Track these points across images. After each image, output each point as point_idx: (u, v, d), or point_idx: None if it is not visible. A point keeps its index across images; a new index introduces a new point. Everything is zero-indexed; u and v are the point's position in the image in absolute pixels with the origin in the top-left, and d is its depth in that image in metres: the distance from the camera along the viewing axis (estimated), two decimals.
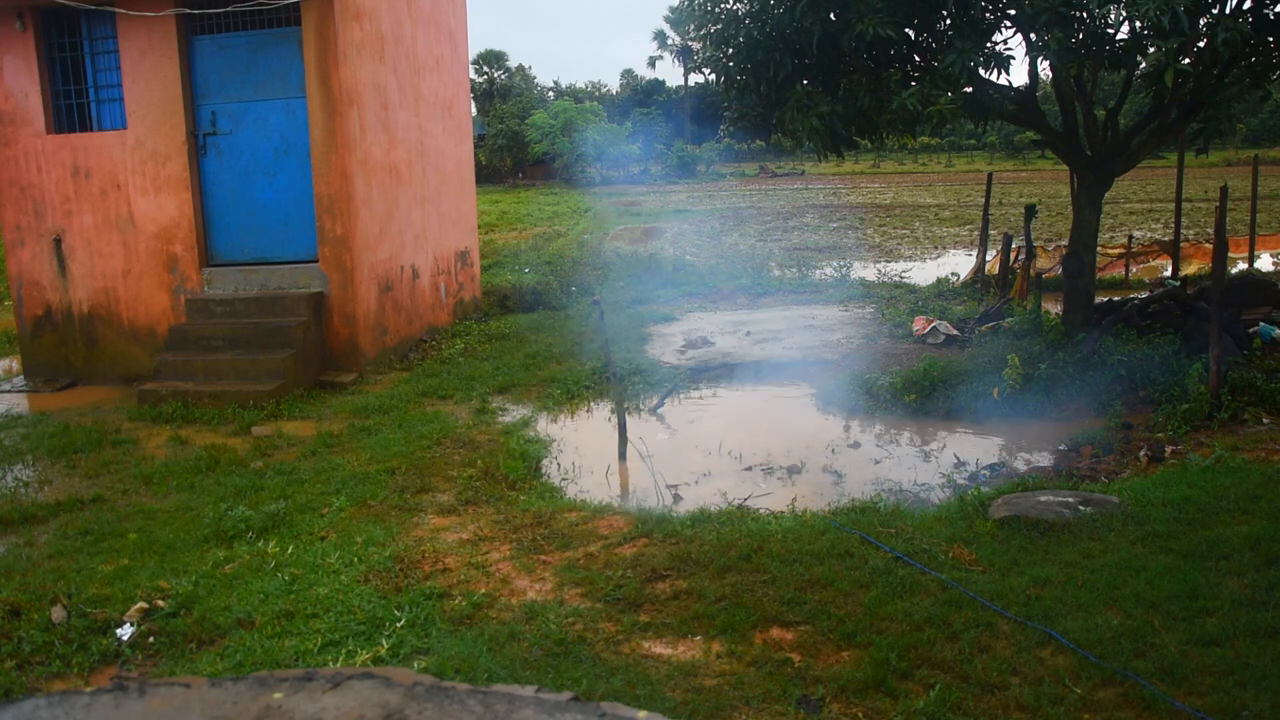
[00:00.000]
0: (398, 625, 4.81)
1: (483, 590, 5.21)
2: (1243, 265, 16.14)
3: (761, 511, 6.31)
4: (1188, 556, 5.14)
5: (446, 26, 13.79)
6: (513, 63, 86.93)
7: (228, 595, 5.28)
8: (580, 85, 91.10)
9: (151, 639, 4.91)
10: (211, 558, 5.87)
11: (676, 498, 6.98)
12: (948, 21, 8.92)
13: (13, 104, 11.20)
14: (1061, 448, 7.79)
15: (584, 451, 8.09)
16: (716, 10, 9.53)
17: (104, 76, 11.21)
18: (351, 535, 6.09)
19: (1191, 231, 21.47)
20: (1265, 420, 7.76)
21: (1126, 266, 16.24)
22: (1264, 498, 5.89)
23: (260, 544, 6.04)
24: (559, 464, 7.78)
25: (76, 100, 11.34)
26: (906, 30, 9.04)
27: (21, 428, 9.35)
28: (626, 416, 7.99)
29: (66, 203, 11.30)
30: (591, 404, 9.58)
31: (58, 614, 5.11)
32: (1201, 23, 7.73)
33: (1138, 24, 7.64)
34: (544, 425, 8.89)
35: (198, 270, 11.10)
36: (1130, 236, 18.95)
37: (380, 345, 11.36)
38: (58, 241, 11.40)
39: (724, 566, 5.29)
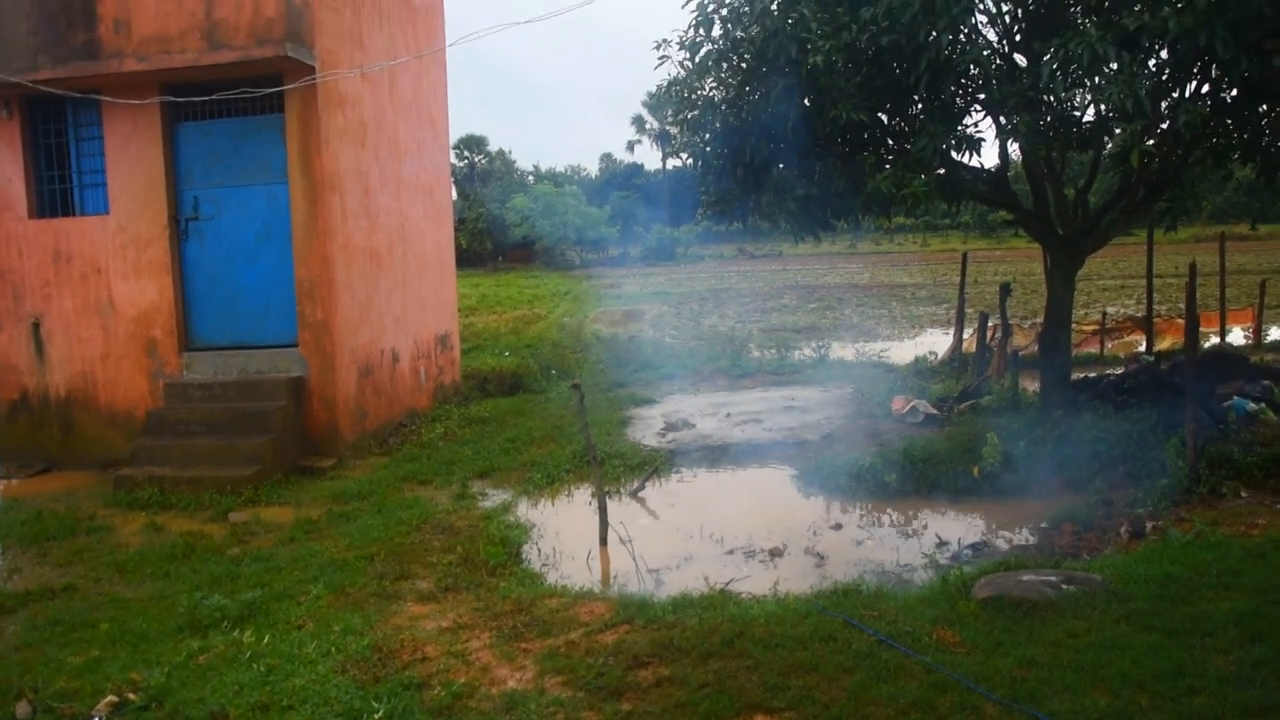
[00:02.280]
0: (376, 716, 4.71)
1: (462, 679, 5.11)
2: (1215, 339, 16.35)
3: (744, 596, 6.26)
4: (1172, 634, 5.11)
5: (428, 113, 14.01)
6: (493, 147, 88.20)
7: (201, 687, 5.16)
8: (560, 169, 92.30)
9: None
10: (185, 648, 5.75)
11: (658, 582, 6.91)
12: (919, 106, 9.13)
13: None
14: (1043, 525, 7.79)
15: (565, 536, 8.02)
16: (693, 97, 9.73)
17: (88, 162, 11.32)
18: (329, 624, 5.99)
19: (1164, 307, 21.77)
20: (1244, 494, 7.79)
21: (1101, 343, 16.41)
22: (1246, 573, 5.89)
23: (235, 633, 5.92)
24: (539, 549, 7.71)
25: (60, 185, 11.42)
26: (879, 115, 9.26)
27: None
28: (607, 500, 7.94)
29: (46, 287, 11.31)
30: (572, 488, 9.53)
31: (23, 709, 4.98)
32: (1163, 106, 7.96)
33: (1103, 107, 7.84)
34: (524, 510, 8.83)
35: (177, 354, 11.07)
36: (1104, 313, 19.19)
37: (360, 429, 11.30)
38: (36, 325, 11.38)
39: (706, 652, 5.22)
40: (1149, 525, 7.26)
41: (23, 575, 7.52)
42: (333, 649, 5.55)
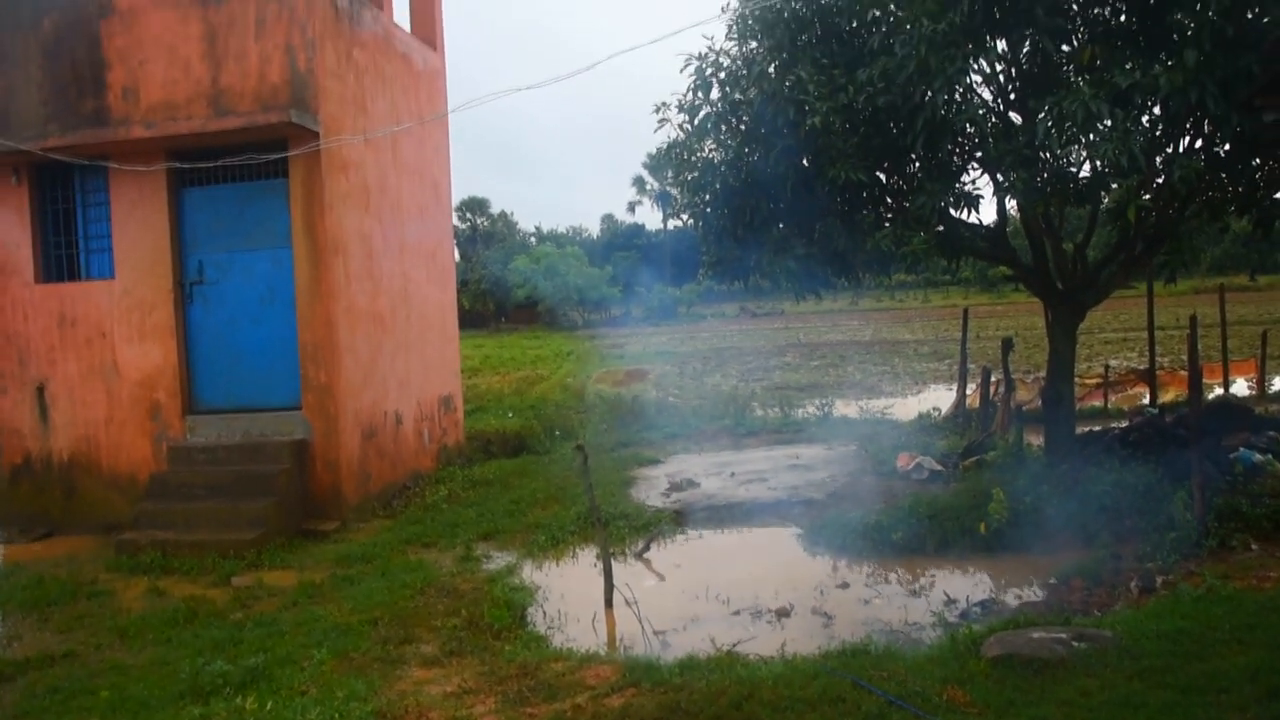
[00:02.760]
0: None
1: None
2: (1219, 391, 16.33)
3: (751, 657, 6.19)
4: (1187, 691, 5.04)
5: (430, 176, 14.17)
6: (495, 209, 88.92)
7: None
8: (561, 230, 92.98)
9: None
10: (187, 715, 5.68)
11: (665, 645, 6.84)
12: (917, 165, 9.24)
13: (3, 255, 11.41)
14: (1051, 581, 7.72)
15: (570, 598, 7.96)
16: (693, 158, 9.85)
17: (94, 227, 11.45)
18: (332, 689, 5.92)
19: (1166, 359, 21.78)
20: (1254, 546, 7.74)
21: (1105, 396, 16.38)
22: (1259, 627, 5.83)
23: (238, 700, 5.85)
24: (544, 612, 7.64)
25: (66, 250, 11.54)
26: (878, 174, 9.36)
27: None
28: (612, 561, 7.89)
29: (51, 351, 11.36)
30: (577, 549, 9.47)
31: None
32: (1158, 161, 8.04)
33: (1098, 163, 7.93)
34: (529, 572, 8.77)
35: (180, 418, 11.08)
36: (1107, 366, 19.20)
37: (363, 492, 11.27)
38: (40, 389, 11.41)
39: (715, 716, 5.15)
40: (1159, 580, 7.20)
41: (22, 642, 7.45)
42: (336, 715, 5.48)
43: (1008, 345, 12.69)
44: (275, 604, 8.02)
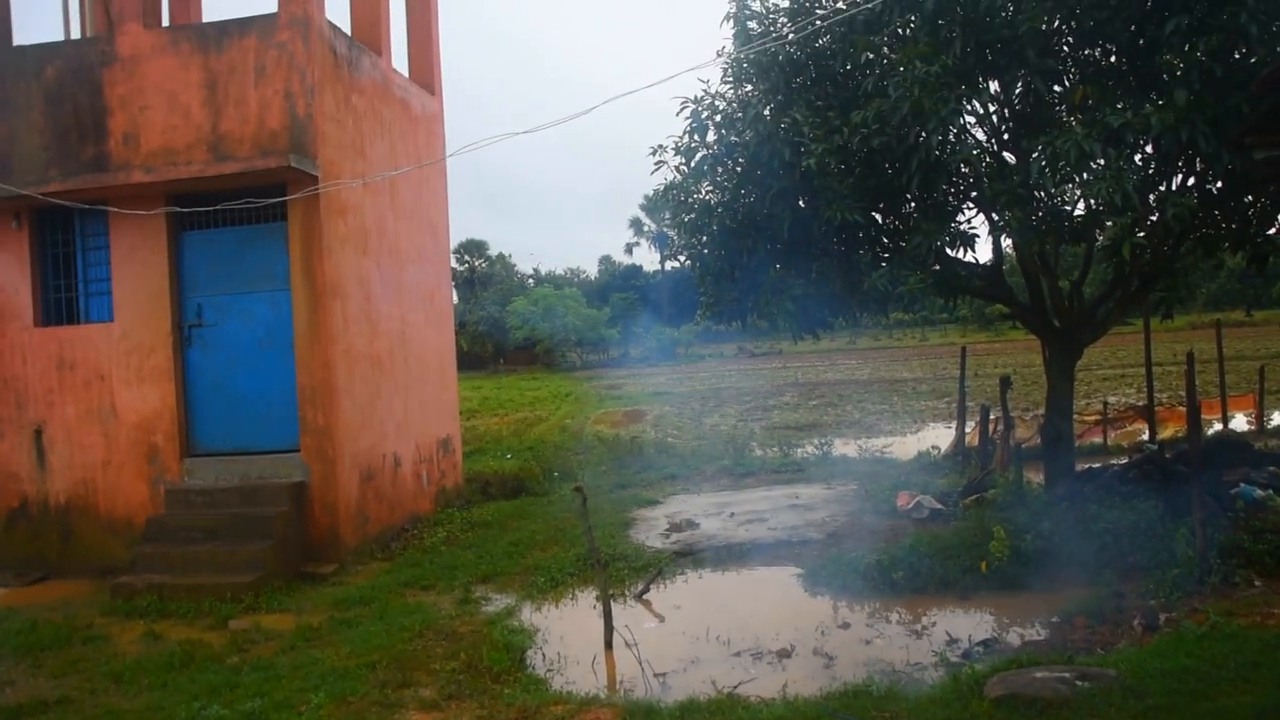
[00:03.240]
0: None
1: None
2: (1218, 426, 16.32)
3: (752, 699, 6.14)
4: None
5: (428, 219, 14.25)
6: (493, 251, 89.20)
7: None
8: (559, 272, 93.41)
9: None
10: None
11: (665, 687, 6.78)
12: (912, 205, 9.31)
13: (3, 299, 11.43)
14: (1054, 620, 7.67)
15: (569, 641, 7.90)
16: (690, 200, 9.92)
17: (94, 271, 11.48)
18: None
19: (1165, 395, 21.77)
20: (1257, 583, 7.70)
21: (1104, 433, 16.37)
22: (1264, 665, 5.79)
23: None
24: (544, 654, 7.59)
25: (65, 294, 11.58)
26: (874, 214, 9.43)
27: None
28: (612, 603, 7.84)
29: (49, 394, 11.35)
30: (576, 591, 9.41)
31: None
32: (1151, 199, 8.11)
33: (1092, 202, 7.99)
34: (528, 614, 8.71)
35: (178, 461, 11.05)
36: (1105, 403, 19.19)
37: (362, 534, 11.22)
38: (38, 433, 11.39)
39: None
40: (1162, 617, 7.16)
41: (16, 687, 7.38)
42: None
43: (1006, 383, 12.71)
44: (272, 648, 7.96)
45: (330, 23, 11.14)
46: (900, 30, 8.75)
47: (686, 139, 9.56)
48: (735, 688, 6.47)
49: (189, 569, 9.92)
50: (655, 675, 6.95)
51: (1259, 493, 9.72)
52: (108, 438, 11.24)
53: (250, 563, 9.85)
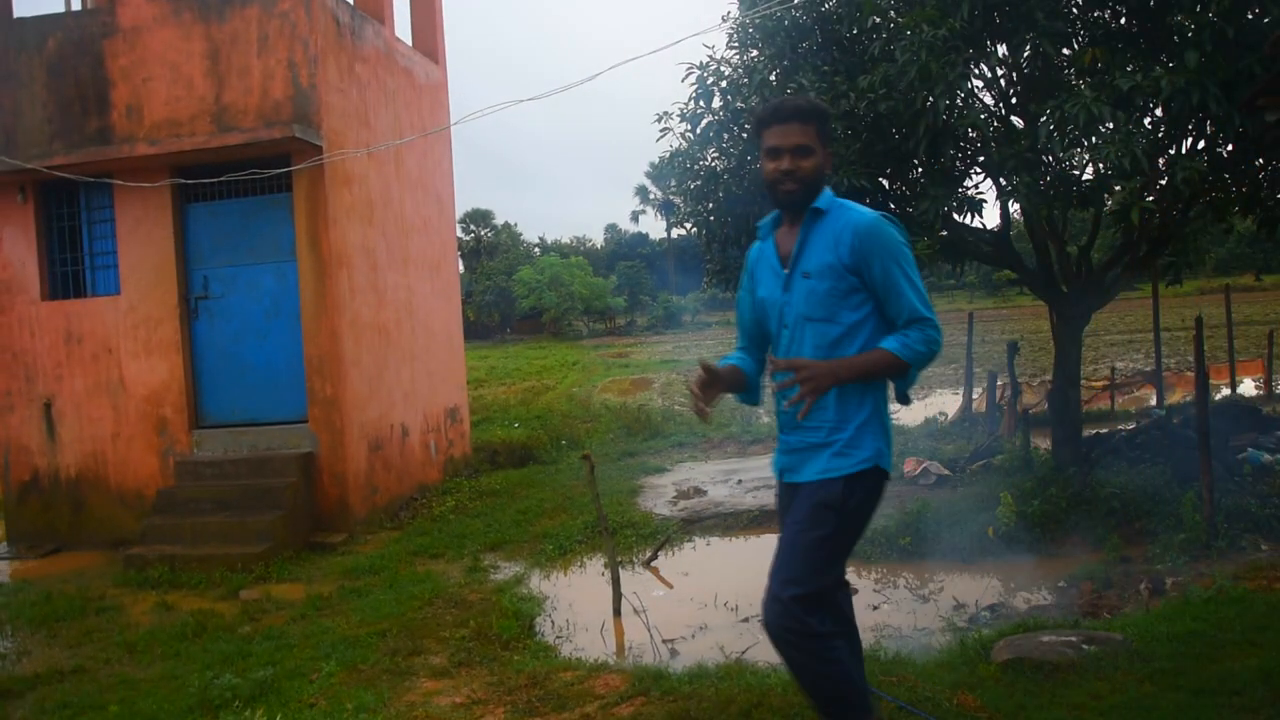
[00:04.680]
0: None
1: None
2: (1226, 391, 16.29)
3: (760, 664, 6.17)
4: (1199, 693, 5.01)
5: (434, 189, 14.21)
6: (499, 221, 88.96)
7: None
8: (565, 241, 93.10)
9: None
10: None
11: (674, 653, 6.83)
12: (919, 170, 9.23)
13: (10, 273, 11.43)
14: (1061, 585, 7.69)
15: (578, 608, 7.95)
16: (695, 167, 9.86)
17: (100, 244, 11.48)
18: (342, 702, 5.91)
19: (1173, 360, 21.73)
20: (1264, 547, 7.70)
21: (1112, 398, 16.36)
22: (1271, 628, 5.80)
23: (247, 713, 5.84)
24: (553, 622, 7.64)
25: (72, 267, 11.58)
26: (880, 180, 9.35)
27: (1, 597, 9.16)
28: (620, 570, 7.88)
29: (58, 367, 11.39)
30: (584, 559, 9.46)
31: None
32: (1161, 163, 8.03)
33: (1101, 166, 7.91)
34: (537, 582, 8.76)
35: (187, 433, 11.10)
36: (1113, 368, 19.17)
37: (370, 504, 11.28)
38: (48, 406, 11.44)
39: None
40: (1169, 581, 7.17)
41: (31, 657, 7.46)
42: None
43: (1013, 349, 12.68)
44: (283, 617, 8.02)
45: None
46: None
47: (692, 105, 9.48)
48: (743, 653, 6.51)
49: (200, 540, 9.99)
50: (664, 641, 7.00)
51: (1266, 457, 9.72)
52: (117, 410, 11.29)
53: (260, 533, 9.91)
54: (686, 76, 9.39)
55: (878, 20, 8.79)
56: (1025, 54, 8.80)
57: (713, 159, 9.82)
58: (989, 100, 9.23)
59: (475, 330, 61.94)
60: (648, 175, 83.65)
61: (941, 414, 16.11)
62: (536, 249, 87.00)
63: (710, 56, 9.45)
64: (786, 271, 3.72)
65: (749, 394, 4.11)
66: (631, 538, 9.86)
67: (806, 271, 3.65)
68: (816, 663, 3.62)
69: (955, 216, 9.04)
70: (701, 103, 9.42)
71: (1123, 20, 8.47)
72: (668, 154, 10.13)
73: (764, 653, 6.53)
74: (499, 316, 65.95)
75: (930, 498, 10.03)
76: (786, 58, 9.18)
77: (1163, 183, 8.12)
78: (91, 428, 11.37)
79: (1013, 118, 9.13)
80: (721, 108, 9.41)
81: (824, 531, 3.71)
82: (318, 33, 10.60)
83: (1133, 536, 8.39)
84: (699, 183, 9.80)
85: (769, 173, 3.63)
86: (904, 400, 3.87)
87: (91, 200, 11.47)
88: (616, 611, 7.58)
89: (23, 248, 11.44)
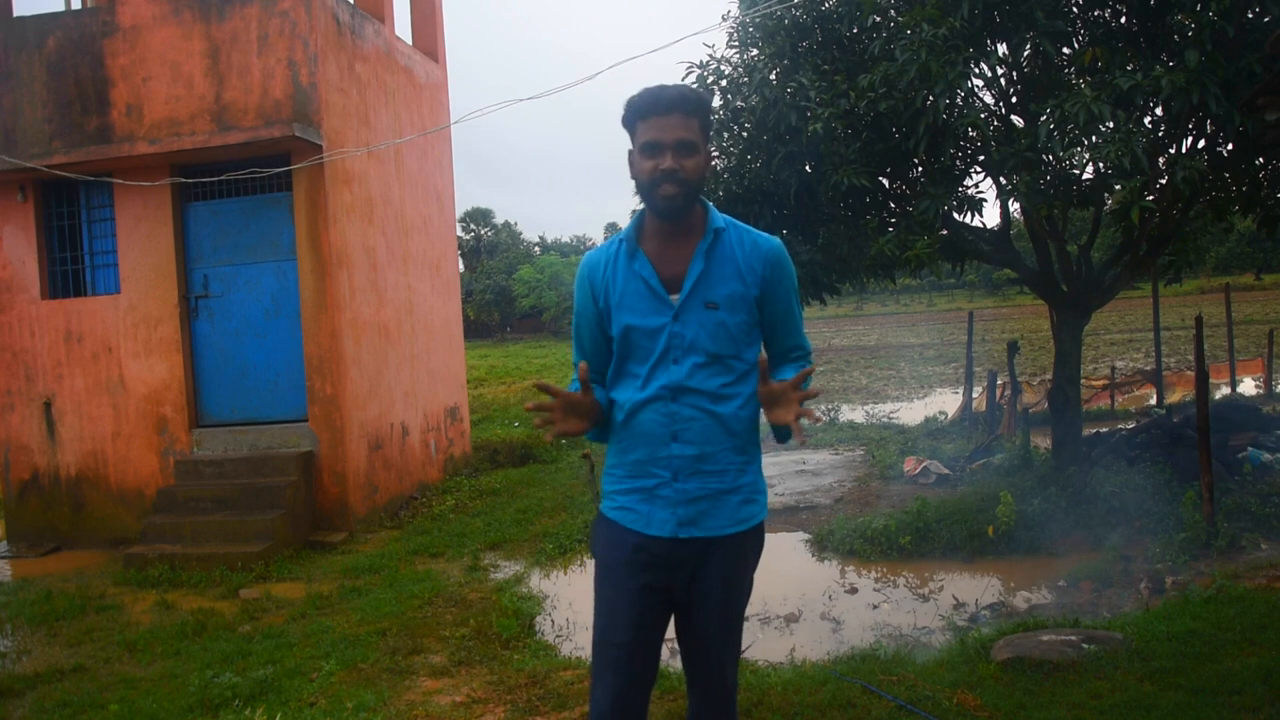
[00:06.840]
0: None
1: None
2: (1226, 391, 16.30)
3: (760, 663, 6.18)
4: (1198, 693, 5.02)
5: (434, 188, 14.20)
6: (499, 220, 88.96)
7: None
8: (565, 239, 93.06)
9: None
10: None
11: (673, 651, 6.81)
12: (919, 169, 9.23)
13: (10, 272, 11.43)
14: (1060, 583, 7.70)
15: (578, 606, 7.95)
16: None
17: (100, 243, 11.48)
18: (341, 701, 5.92)
19: (1172, 360, 21.75)
20: (1264, 546, 7.71)
21: (1111, 397, 16.36)
22: (1270, 627, 5.80)
23: (247, 712, 5.84)
24: (553, 620, 7.64)
25: (72, 266, 11.58)
26: (880, 179, 9.36)
27: (1, 595, 9.16)
28: None
29: (58, 366, 11.39)
30: (584, 558, 9.46)
31: None
32: (1161, 162, 8.04)
33: (1101, 165, 7.91)
34: (537, 581, 8.77)
35: (187, 431, 11.10)
36: (1113, 367, 19.18)
37: (370, 504, 11.28)
38: (48, 405, 11.44)
39: None
40: (1169, 580, 7.18)
41: (31, 656, 7.46)
42: None
43: (1013, 348, 12.69)
44: (283, 616, 8.03)
45: None
46: None
47: None
48: (743, 651, 6.51)
49: (200, 539, 9.99)
50: (663, 640, 6.99)
51: (1266, 456, 9.73)
52: (117, 409, 11.29)
53: (260, 532, 9.92)
54: (687, 75, 9.40)
55: (878, 19, 8.79)
56: (1025, 53, 8.81)
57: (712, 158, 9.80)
58: (989, 99, 9.23)
59: (475, 329, 61.97)
60: None
61: (941, 413, 16.13)
62: (536, 248, 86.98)
63: (710, 55, 9.47)
64: (676, 297, 3.07)
65: (602, 430, 3.39)
66: None
67: (712, 302, 3.05)
68: None
69: (955, 215, 9.04)
70: None
71: (1123, 19, 8.47)
72: None
73: (763, 652, 6.54)
74: (499, 315, 65.94)
75: (930, 496, 10.03)
76: (786, 56, 9.18)
77: (1163, 182, 8.12)
78: (91, 427, 11.37)
79: (1013, 117, 9.13)
80: (721, 106, 9.41)
81: (746, 595, 3.41)
82: (318, 32, 10.60)
83: (1133, 535, 8.40)
84: None
85: (645, 172, 3.01)
86: (783, 439, 3.18)
87: (91, 199, 11.47)
88: None
89: (23, 247, 11.43)
